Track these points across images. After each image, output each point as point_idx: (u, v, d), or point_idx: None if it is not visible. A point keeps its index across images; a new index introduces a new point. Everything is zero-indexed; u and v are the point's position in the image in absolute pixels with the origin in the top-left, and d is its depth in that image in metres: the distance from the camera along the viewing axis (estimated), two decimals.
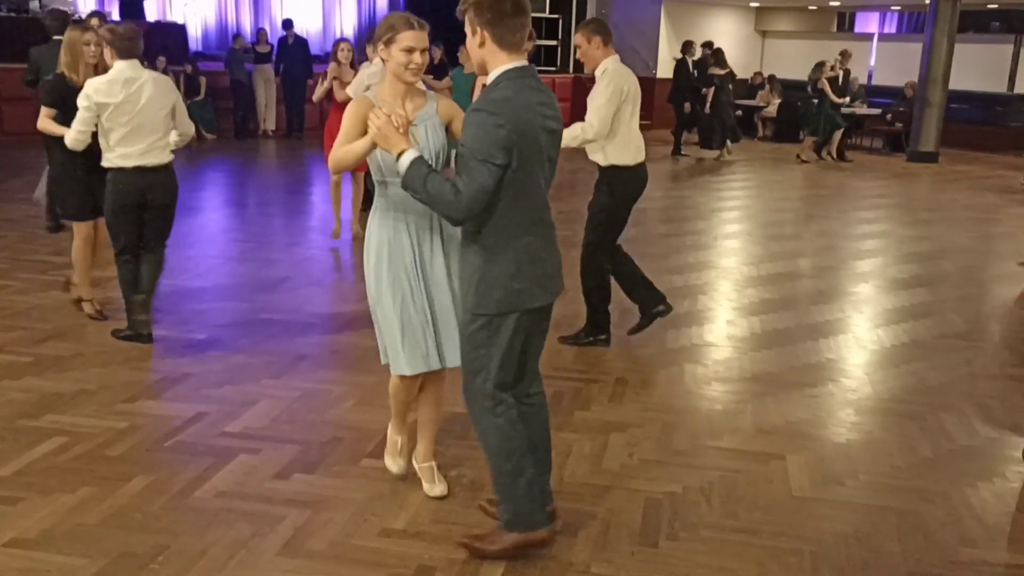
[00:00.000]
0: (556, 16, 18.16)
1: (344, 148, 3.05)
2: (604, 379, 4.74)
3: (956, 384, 4.90)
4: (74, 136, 4.68)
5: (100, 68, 5.02)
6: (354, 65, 7.57)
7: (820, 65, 14.00)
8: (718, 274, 7.11)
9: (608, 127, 4.77)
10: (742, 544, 3.21)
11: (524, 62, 2.79)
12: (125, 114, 4.61)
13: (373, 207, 3.24)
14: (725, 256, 7.78)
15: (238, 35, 15.40)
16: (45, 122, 5.04)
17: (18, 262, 6.63)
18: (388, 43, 3.06)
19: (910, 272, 7.41)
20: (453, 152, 3.14)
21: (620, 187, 4.94)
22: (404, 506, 3.37)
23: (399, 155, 2.79)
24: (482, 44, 2.77)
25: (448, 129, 3.19)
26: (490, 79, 2.79)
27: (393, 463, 3.56)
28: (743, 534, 3.28)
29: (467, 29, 2.79)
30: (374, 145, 2.92)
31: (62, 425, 3.95)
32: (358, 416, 4.16)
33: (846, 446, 4.07)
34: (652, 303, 5.20)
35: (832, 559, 3.14)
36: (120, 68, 4.62)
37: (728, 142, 14.09)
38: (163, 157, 4.79)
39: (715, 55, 13.88)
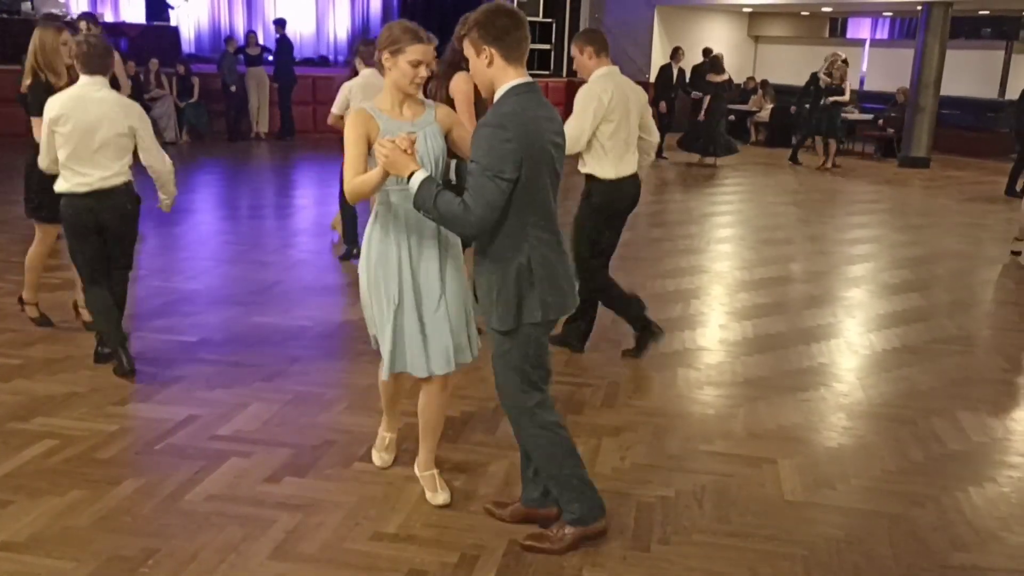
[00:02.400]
0: (550, 20, 18.17)
1: (360, 180, 3.03)
2: (597, 383, 4.74)
3: (948, 388, 4.91)
4: (45, 162, 4.44)
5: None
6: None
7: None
8: (711, 278, 7.12)
9: (582, 141, 4.68)
10: (734, 548, 3.21)
11: (528, 77, 2.80)
12: (69, 132, 4.28)
13: (373, 215, 3.23)
14: (718, 260, 7.79)
15: (230, 37, 15.38)
16: (37, 132, 4.78)
17: (8, 264, 6.59)
18: (394, 53, 3.04)
19: (902, 277, 7.43)
20: (453, 162, 3.15)
21: (596, 198, 4.83)
22: (396, 510, 3.36)
23: (409, 176, 2.82)
24: (490, 63, 2.76)
25: (447, 137, 3.19)
26: (497, 95, 2.80)
27: (378, 457, 3.71)
28: (735, 538, 3.28)
29: (470, 52, 2.79)
30: (387, 174, 2.92)
31: (52, 428, 3.93)
32: (350, 420, 4.15)
33: (838, 450, 4.08)
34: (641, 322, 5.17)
35: (824, 563, 3.15)
36: (79, 84, 4.35)
37: (715, 154, 13.88)
38: (115, 180, 4.41)
39: (712, 61, 13.89)
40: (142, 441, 3.85)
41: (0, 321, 5.33)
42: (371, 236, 3.23)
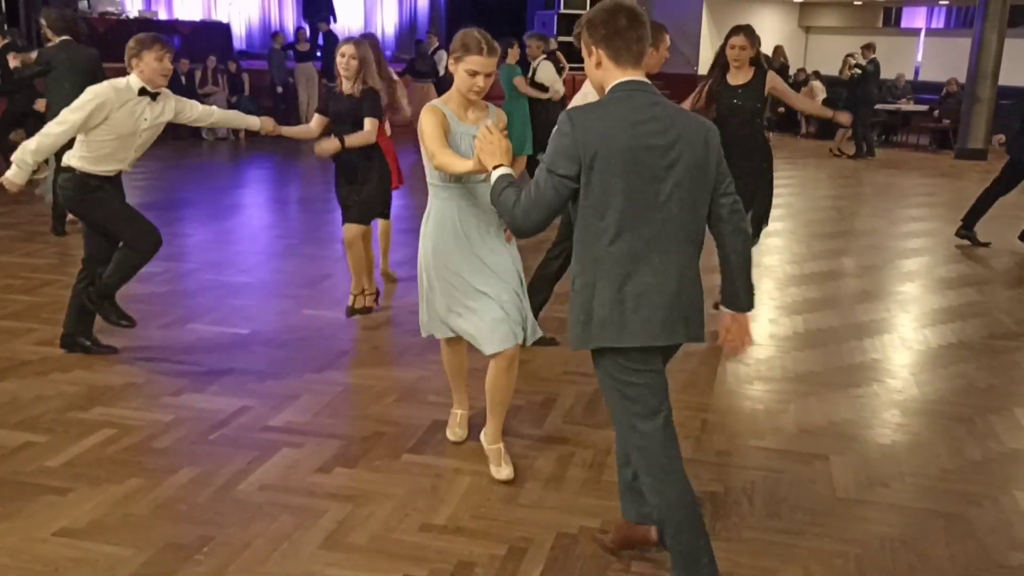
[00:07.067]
0: None
1: (451, 159, 3.18)
2: None
3: (1006, 386, 4.80)
4: None
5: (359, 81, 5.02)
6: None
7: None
8: (760, 272, 7.03)
9: None
10: (785, 545, 3.18)
11: (639, 76, 2.58)
12: None
13: (427, 211, 3.47)
14: (767, 254, 7.68)
15: (277, 33, 15.56)
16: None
17: (68, 258, 6.77)
18: (456, 60, 3.29)
19: (958, 271, 7.28)
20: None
21: None
22: (445, 501, 3.39)
23: (494, 168, 2.75)
24: (599, 64, 2.59)
25: None
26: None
27: (451, 432, 3.89)
28: (786, 535, 3.25)
29: (583, 52, 2.64)
30: (478, 163, 2.88)
31: (110, 417, 4.03)
32: (399, 411, 4.18)
33: (891, 447, 4.01)
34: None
35: (878, 562, 3.10)
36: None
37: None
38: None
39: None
40: (197, 431, 3.93)
41: (60, 313, 5.44)
42: (427, 227, 3.47)
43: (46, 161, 5.20)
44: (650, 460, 2.70)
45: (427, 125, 3.27)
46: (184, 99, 4.71)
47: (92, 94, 4.30)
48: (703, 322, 2.70)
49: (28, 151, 4.25)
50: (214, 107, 4.91)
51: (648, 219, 2.53)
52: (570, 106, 2.89)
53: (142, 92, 4.40)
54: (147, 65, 4.36)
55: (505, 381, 3.49)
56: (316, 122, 5.21)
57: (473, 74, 3.26)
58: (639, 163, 2.49)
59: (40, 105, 8.08)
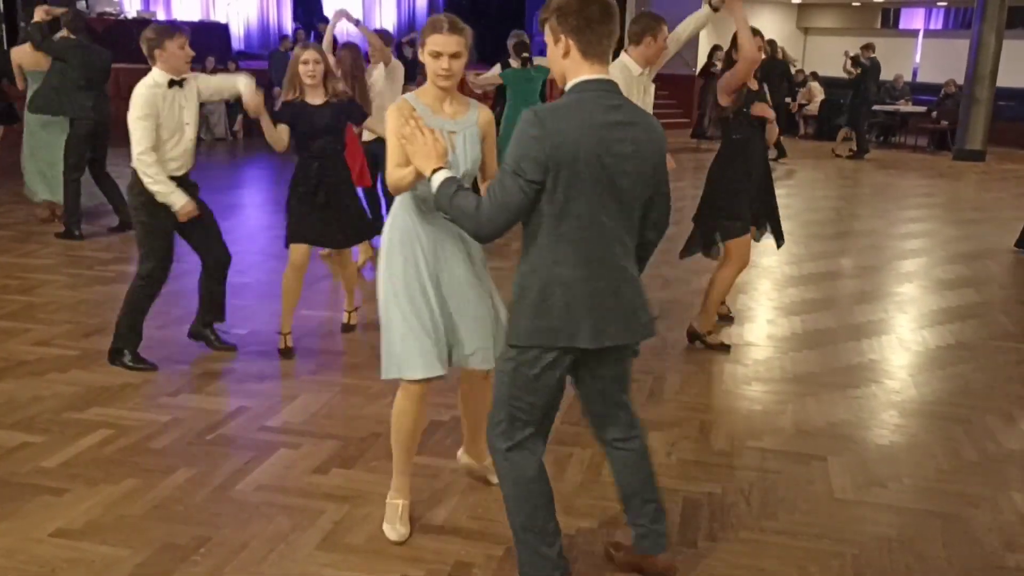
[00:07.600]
0: None
1: (400, 173, 2.90)
2: (642, 378, 4.71)
3: (1003, 386, 4.80)
4: None
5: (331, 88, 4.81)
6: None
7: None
8: (758, 273, 7.03)
9: None
10: (782, 546, 3.18)
11: (606, 75, 2.52)
12: None
13: (392, 208, 3.11)
14: (765, 255, 7.68)
15: (285, 37, 15.57)
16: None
17: (66, 257, 6.76)
18: (422, 47, 2.99)
19: (956, 272, 7.28)
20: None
21: None
22: (442, 502, 3.38)
23: (433, 173, 2.62)
24: (566, 54, 2.49)
25: (482, 144, 3.07)
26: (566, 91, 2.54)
27: (392, 530, 3.16)
28: (783, 536, 3.24)
29: (548, 39, 2.53)
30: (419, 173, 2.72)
31: (107, 418, 4.02)
32: None
33: (889, 448, 4.01)
34: None
35: (875, 563, 3.09)
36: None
37: None
38: None
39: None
40: (194, 432, 3.92)
41: (57, 313, 5.46)
42: (386, 229, 3.11)
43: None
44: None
45: (391, 126, 2.93)
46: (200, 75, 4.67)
47: (142, 100, 4.25)
48: (652, 316, 2.72)
49: (159, 192, 4.36)
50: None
51: (604, 223, 2.52)
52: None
53: (170, 84, 4.35)
54: (171, 54, 4.33)
55: (483, 394, 3.26)
56: (285, 133, 4.80)
57: (436, 55, 2.91)
58: (604, 169, 2.47)
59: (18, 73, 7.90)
